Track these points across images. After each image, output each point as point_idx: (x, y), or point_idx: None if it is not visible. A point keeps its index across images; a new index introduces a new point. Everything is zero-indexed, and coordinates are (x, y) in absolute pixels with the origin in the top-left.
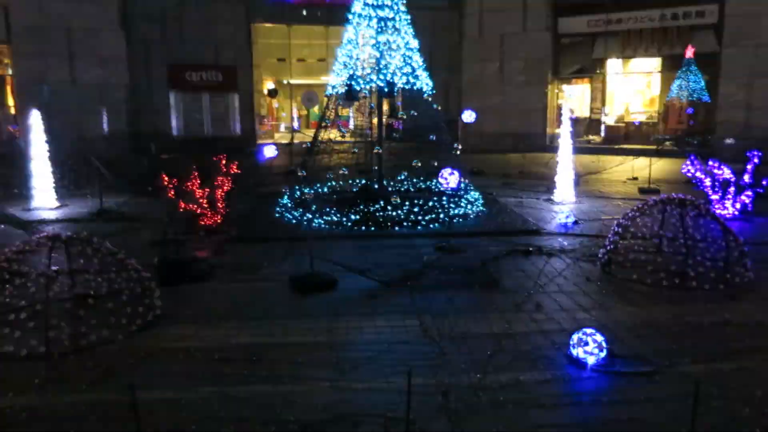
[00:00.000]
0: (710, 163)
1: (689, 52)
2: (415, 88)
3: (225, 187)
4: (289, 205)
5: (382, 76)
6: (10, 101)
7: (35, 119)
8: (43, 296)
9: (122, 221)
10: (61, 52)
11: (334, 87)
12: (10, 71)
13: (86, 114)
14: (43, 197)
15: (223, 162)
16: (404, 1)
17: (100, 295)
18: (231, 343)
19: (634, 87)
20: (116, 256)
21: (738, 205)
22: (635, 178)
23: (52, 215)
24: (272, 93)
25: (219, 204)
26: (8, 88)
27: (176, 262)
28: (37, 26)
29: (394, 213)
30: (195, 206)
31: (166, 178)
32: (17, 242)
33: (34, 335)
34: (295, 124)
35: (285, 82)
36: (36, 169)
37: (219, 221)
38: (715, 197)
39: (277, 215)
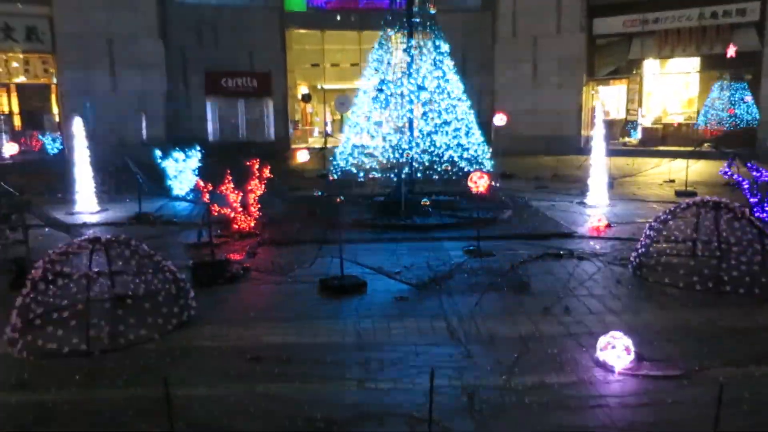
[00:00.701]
0: (749, 164)
1: (730, 51)
2: (446, 91)
3: (258, 191)
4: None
5: (412, 80)
6: (55, 109)
7: (78, 126)
8: (84, 296)
9: (159, 224)
10: (102, 60)
11: (365, 92)
12: (54, 80)
13: (126, 120)
14: (85, 201)
15: (256, 166)
16: (435, 5)
17: (138, 295)
18: (262, 342)
19: (671, 87)
20: (153, 259)
21: None
22: (672, 181)
23: (93, 219)
24: (306, 98)
25: (252, 207)
26: (53, 96)
27: (210, 264)
28: (80, 36)
29: (424, 218)
30: (229, 210)
31: (201, 183)
32: (60, 245)
33: (76, 334)
34: (329, 129)
35: (319, 86)
36: (78, 174)
37: (252, 224)
38: (754, 200)
39: (308, 218)
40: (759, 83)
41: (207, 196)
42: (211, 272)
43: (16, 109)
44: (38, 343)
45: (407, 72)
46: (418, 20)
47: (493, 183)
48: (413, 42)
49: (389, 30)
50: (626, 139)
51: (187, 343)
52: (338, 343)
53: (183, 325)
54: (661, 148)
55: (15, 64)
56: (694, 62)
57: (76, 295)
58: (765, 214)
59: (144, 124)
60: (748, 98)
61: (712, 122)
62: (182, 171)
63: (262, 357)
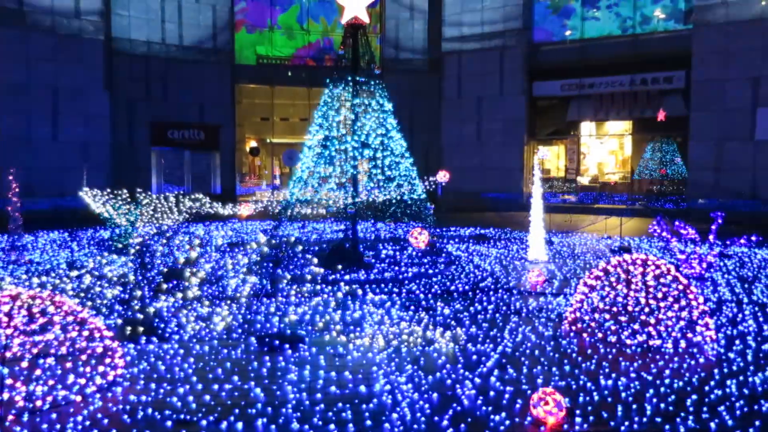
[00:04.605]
0: (677, 223)
1: (660, 116)
2: (389, 148)
3: (197, 245)
4: (262, 262)
5: (356, 137)
6: None
7: (13, 177)
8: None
9: (92, 278)
10: (44, 110)
11: (310, 147)
12: None
13: (67, 171)
14: (16, 253)
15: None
16: (378, 66)
17: (60, 354)
18: (191, 403)
19: (607, 148)
20: (78, 315)
21: (704, 264)
22: (608, 237)
23: (20, 271)
24: (254, 151)
25: (190, 261)
26: None
27: (141, 320)
28: (22, 84)
29: (366, 271)
30: (166, 264)
31: (139, 236)
32: None
33: None
34: (276, 182)
35: (267, 140)
36: (8, 225)
37: (189, 279)
38: (681, 257)
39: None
40: (687, 146)
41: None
42: (143, 328)
43: None
44: None
45: (352, 129)
46: (363, 79)
47: (434, 238)
48: (358, 100)
49: (335, 87)
50: (565, 196)
51: (110, 405)
52: (271, 402)
53: (108, 385)
54: (598, 206)
55: None
56: (627, 125)
57: None
58: (692, 270)
59: (86, 176)
60: (678, 159)
61: (645, 181)
62: (121, 224)
63: (189, 420)
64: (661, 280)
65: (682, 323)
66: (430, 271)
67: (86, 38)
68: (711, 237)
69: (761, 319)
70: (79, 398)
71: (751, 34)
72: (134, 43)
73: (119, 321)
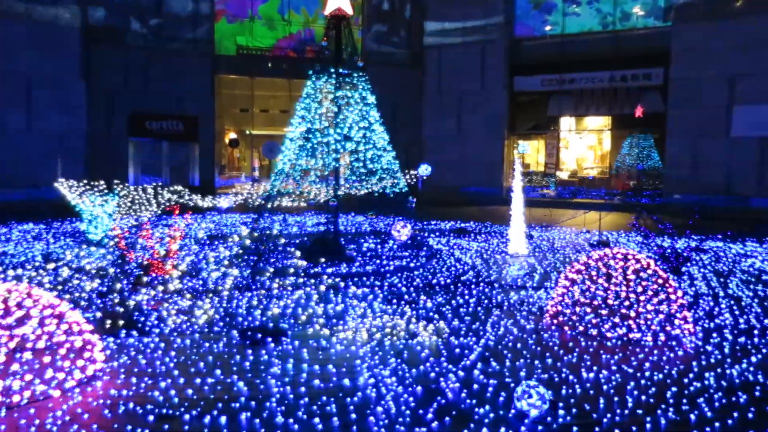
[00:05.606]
0: (654, 218)
1: (638, 112)
2: (371, 141)
3: (177, 237)
4: (243, 254)
5: (339, 130)
6: None
7: None
8: None
9: (70, 271)
10: (19, 100)
11: (292, 140)
12: None
13: (42, 161)
14: None
15: (176, 212)
16: (361, 58)
17: (37, 348)
18: (173, 397)
19: (586, 143)
20: (56, 309)
21: (680, 259)
22: (587, 231)
23: None
24: (233, 143)
25: (171, 254)
26: None
27: (121, 313)
28: None
29: (348, 264)
30: (146, 256)
31: (119, 228)
32: None
33: None
34: (256, 174)
35: (247, 132)
36: None
37: (169, 272)
38: (660, 251)
39: (231, 265)
40: (664, 142)
41: (123, 241)
42: (122, 322)
43: None
44: None
45: (334, 122)
46: (345, 71)
47: (415, 232)
48: (340, 92)
49: (317, 79)
50: (545, 190)
51: (90, 400)
52: (254, 396)
53: (87, 380)
54: (577, 200)
55: None
56: (606, 121)
57: None
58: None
59: (61, 166)
60: (654, 154)
61: (622, 175)
62: (98, 215)
63: (171, 415)
64: (641, 274)
65: (661, 316)
66: (412, 264)
67: (62, 26)
68: (687, 232)
69: (737, 312)
70: (57, 393)
71: (729, 34)
72: (112, 32)
73: (98, 314)
